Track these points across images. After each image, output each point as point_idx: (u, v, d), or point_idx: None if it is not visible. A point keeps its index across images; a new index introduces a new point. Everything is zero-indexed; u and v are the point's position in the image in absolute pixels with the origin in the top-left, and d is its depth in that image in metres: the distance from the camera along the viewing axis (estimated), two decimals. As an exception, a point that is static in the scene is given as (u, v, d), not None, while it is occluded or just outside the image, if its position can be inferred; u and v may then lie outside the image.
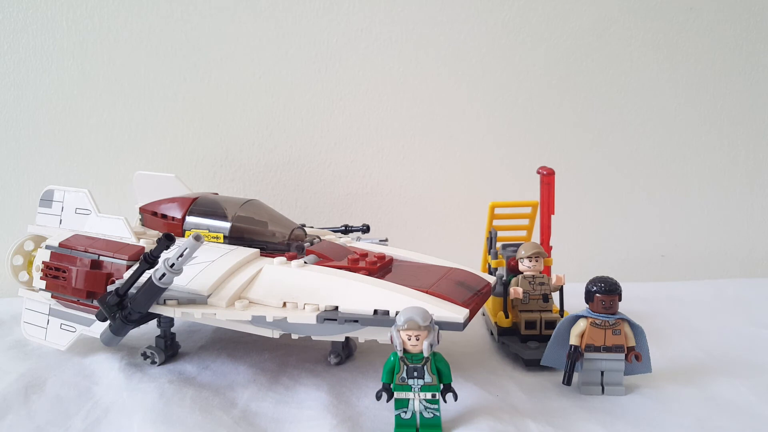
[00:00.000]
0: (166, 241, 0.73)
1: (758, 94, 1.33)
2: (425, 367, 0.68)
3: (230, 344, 0.95)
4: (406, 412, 0.70)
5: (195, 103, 1.24)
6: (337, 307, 0.74)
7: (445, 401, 0.70)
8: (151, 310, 0.78)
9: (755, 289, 1.21)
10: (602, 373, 0.79)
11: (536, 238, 1.02)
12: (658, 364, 0.82)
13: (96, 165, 1.24)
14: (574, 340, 0.79)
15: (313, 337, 0.78)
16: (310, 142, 1.27)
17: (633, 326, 0.79)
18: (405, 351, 0.68)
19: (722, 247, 1.37)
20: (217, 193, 1.02)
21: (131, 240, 0.90)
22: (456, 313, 0.72)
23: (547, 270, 0.96)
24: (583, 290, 0.80)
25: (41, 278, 0.91)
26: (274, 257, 0.83)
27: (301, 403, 0.78)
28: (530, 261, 0.90)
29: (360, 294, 0.75)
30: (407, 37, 1.25)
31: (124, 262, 0.85)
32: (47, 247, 0.92)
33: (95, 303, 0.83)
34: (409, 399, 0.69)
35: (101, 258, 0.87)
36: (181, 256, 0.71)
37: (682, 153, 1.34)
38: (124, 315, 0.77)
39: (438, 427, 0.70)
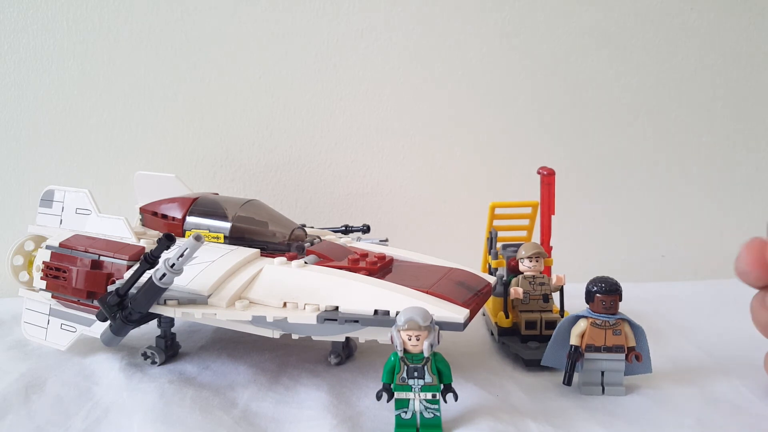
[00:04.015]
0: (167, 242, 0.74)
1: (758, 94, 1.33)
2: (425, 367, 0.68)
3: (230, 344, 0.95)
4: (406, 412, 0.70)
5: (195, 103, 1.24)
6: (337, 308, 0.74)
7: (445, 401, 0.70)
8: (151, 310, 0.78)
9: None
10: (602, 373, 0.79)
11: (536, 238, 1.02)
12: (658, 364, 0.82)
13: (96, 165, 1.24)
14: (574, 341, 0.79)
15: (314, 338, 0.78)
16: (310, 142, 1.27)
17: (633, 326, 0.79)
18: (405, 351, 0.68)
19: (722, 247, 1.37)
20: (217, 194, 1.02)
21: (131, 240, 0.90)
22: (456, 313, 0.72)
23: (548, 270, 0.96)
24: (584, 290, 0.80)
25: (41, 278, 0.91)
26: (274, 257, 0.83)
27: (301, 403, 0.78)
28: (530, 261, 0.90)
29: (360, 294, 0.75)
30: (407, 37, 1.25)
31: (125, 262, 0.85)
32: (47, 247, 0.92)
33: (95, 303, 0.83)
34: (409, 399, 0.69)
35: (101, 258, 0.87)
36: (181, 256, 0.71)
37: (682, 153, 1.34)
38: (125, 315, 0.77)
39: (438, 428, 0.70)
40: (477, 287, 0.82)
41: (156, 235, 0.96)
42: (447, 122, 1.29)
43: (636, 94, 1.31)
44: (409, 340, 0.67)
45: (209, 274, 0.79)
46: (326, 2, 1.22)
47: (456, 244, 1.22)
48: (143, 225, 1.00)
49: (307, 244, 0.88)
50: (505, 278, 0.94)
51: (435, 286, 0.77)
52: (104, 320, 0.80)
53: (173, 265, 0.72)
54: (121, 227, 0.91)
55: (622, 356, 0.78)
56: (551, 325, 0.87)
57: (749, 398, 0.78)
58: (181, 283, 0.77)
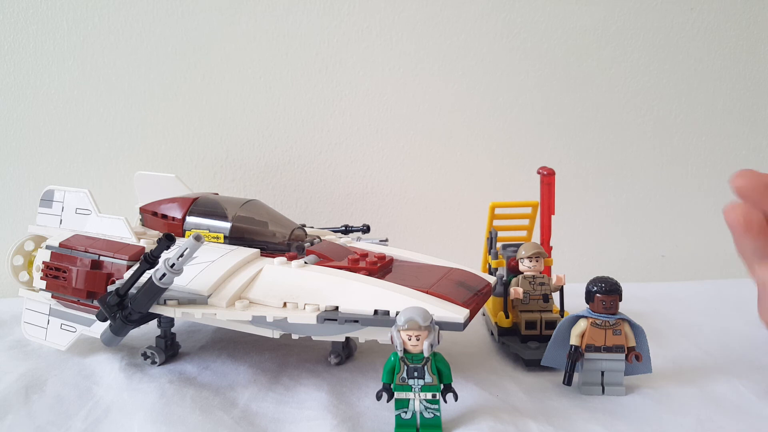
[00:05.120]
0: (167, 242, 0.74)
1: (758, 94, 1.33)
2: (425, 367, 0.68)
3: (230, 344, 0.95)
4: (406, 412, 0.70)
5: (195, 103, 1.24)
6: (337, 307, 0.74)
7: (445, 401, 0.70)
8: (151, 310, 0.78)
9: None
10: (602, 373, 0.79)
11: (536, 238, 1.02)
12: (658, 364, 0.82)
13: (96, 165, 1.24)
14: (574, 340, 0.79)
15: (314, 338, 0.78)
16: (310, 142, 1.27)
17: (633, 326, 0.79)
18: (405, 351, 0.68)
19: (722, 247, 1.37)
20: (217, 194, 1.02)
21: (131, 240, 0.90)
22: (456, 313, 0.72)
23: (548, 270, 0.96)
24: (584, 290, 0.80)
25: (41, 278, 0.91)
26: (274, 257, 0.83)
27: (301, 403, 0.78)
28: (530, 261, 0.90)
29: (360, 294, 0.75)
30: (407, 37, 1.25)
31: (125, 262, 0.85)
32: (47, 247, 0.92)
33: (95, 303, 0.84)
34: (409, 399, 0.69)
35: (101, 258, 0.87)
36: (181, 256, 0.71)
37: (682, 153, 1.34)
38: (125, 315, 0.77)
39: (438, 427, 0.70)
40: (477, 287, 0.82)
41: (156, 235, 0.95)
42: (447, 122, 1.29)
43: (636, 95, 1.31)
44: (409, 340, 0.67)
45: (209, 274, 0.79)
46: (326, 2, 1.22)
47: (456, 244, 1.22)
48: (143, 225, 1.00)
49: (307, 244, 0.88)
50: (505, 278, 0.94)
51: (435, 286, 0.77)
52: (104, 320, 0.80)
53: (173, 265, 0.72)
54: (121, 227, 0.91)
55: (622, 356, 0.78)
56: (551, 325, 0.87)
57: (749, 398, 0.78)
58: (181, 283, 0.77)
